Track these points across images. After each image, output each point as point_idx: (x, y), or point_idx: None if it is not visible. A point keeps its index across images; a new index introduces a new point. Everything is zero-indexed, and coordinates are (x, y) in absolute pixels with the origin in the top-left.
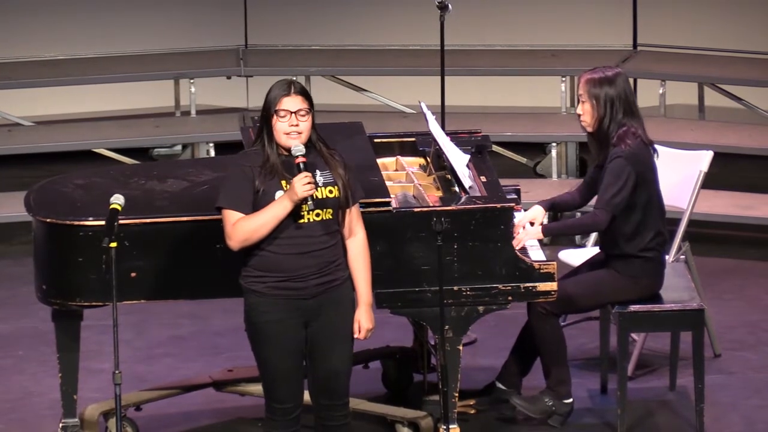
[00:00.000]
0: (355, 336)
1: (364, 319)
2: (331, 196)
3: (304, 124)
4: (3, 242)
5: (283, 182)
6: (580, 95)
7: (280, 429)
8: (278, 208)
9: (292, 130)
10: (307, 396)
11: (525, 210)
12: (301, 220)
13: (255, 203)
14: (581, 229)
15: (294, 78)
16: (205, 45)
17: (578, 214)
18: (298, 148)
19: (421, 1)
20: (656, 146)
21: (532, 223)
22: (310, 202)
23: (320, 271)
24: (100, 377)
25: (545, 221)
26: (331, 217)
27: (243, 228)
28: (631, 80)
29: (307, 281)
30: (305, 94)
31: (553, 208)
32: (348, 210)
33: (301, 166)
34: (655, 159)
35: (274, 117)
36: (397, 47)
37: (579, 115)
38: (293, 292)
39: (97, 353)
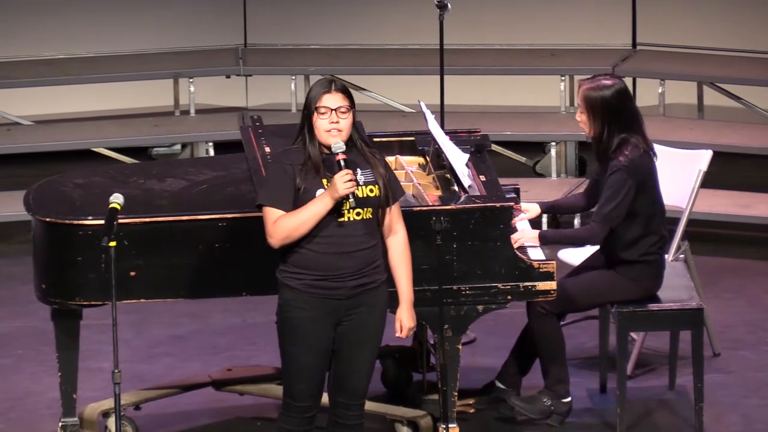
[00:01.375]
0: (397, 335)
1: (405, 317)
2: (371, 195)
3: (345, 122)
4: (2, 241)
5: (324, 180)
6: (578, 104)
7: (292, 426)
8: (319, 206)
9: (332, 127)
10: (324, 398)
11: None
12: (342, 219)
13: (296, 201)
14: (577, 241)
15: (293, 77)
16: (205, 44)
17: (576, 221)
18: (338, 145)
19: (421, 1)
20: (655, 146)
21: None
22: (351, 200)
23: (358, 272)
24: (99, 376)
25: (544, 227)
26: (371, 216)
27: (284, 226)
28: (630, 80)
29: (344, 282)
30: (346, 92)
31: (553, 210)
32: (388, 209)
33: (342, 163)
34: (655, 161)
35: (315, 114)
36: (396, 47)
37: (578, 121)
38: (329, 291)
39: (97, 352)
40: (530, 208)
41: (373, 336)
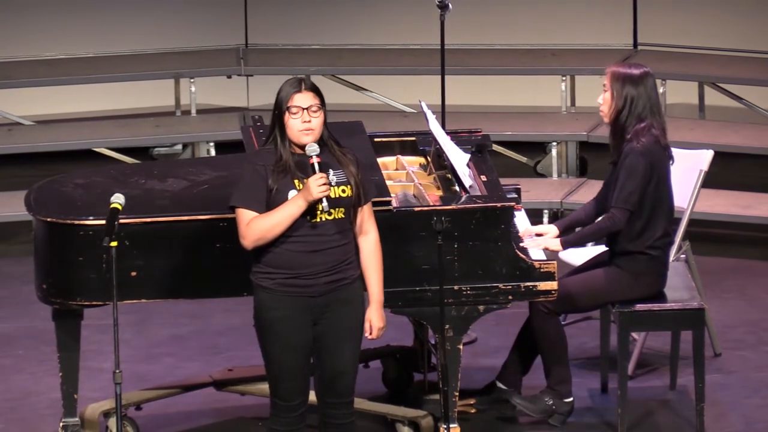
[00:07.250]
0: (367, 335)
1: (375, 318)
2: (344, 195)
3: (317, 120)
4: (3, 241)
5: (296, 181)
6: (603, 85)
7: (283, 426)
8: (292, 208)
9: (304, 126)
10: (312, 396)
11: (524, 210)
12: (314, 219)
13: (268, 202)
14: (600, 234)
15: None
16: (206, 44)
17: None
18: (312, 148)
19: (421, 1)
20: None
21: (539, 235)
22: (325, 204)
23: (330, 269)
24: (100, 377)
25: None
26: (343, 215)
27: (257, 227)
28: None
29: (317, 279)
30: (316, 91)
31: (570, 226)
32: (360, 208)
33: (316, 166)
34: (671, 165)
35: (286, 114)
36: (397, 47)
37: (599, 105)
38: (302, 289)
39: (98, 353)
40: (547, 230)
41: (352, 333)
